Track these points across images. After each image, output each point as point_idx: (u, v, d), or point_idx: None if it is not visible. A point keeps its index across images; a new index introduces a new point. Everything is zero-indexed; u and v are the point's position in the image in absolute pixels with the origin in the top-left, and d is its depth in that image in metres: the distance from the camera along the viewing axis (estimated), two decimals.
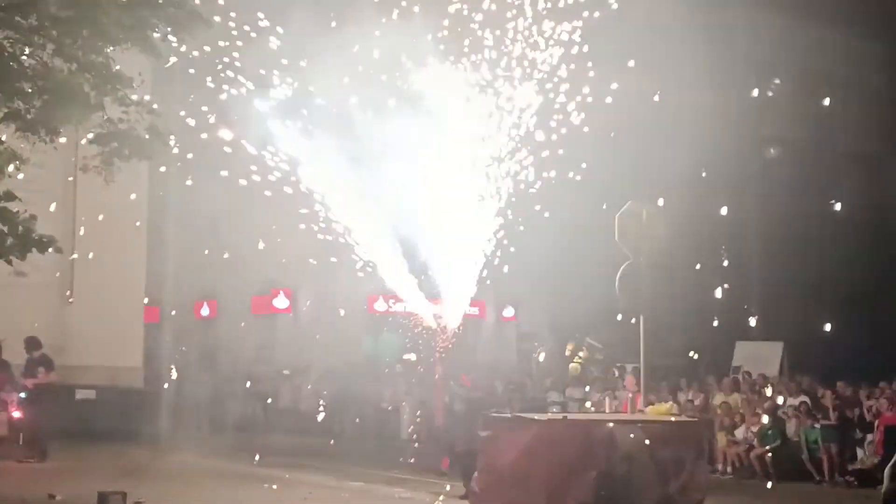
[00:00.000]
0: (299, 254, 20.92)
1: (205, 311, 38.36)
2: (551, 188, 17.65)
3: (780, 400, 22.70)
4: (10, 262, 9.94)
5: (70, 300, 27.48)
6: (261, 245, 22.35)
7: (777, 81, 31.46)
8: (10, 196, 9.83)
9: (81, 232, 26.53)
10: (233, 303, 36.47)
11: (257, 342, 37.06)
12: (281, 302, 36.25)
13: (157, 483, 17.40)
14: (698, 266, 26.95)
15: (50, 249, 10.03)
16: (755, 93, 29.66)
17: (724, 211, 26.05)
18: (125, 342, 27.99)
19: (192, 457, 22.22)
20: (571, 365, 36.76)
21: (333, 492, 17.47)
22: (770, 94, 31.14)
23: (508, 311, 39.81)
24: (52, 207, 21.12)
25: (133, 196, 24.66)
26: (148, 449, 23.63)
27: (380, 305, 38.63)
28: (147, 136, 10.57)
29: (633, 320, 16.25)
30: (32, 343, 21.42)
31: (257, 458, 20.68)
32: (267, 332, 37.41)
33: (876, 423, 20.59)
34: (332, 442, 29.15)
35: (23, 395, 21.64)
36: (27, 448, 20.75)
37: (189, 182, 20.06)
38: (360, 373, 34.50)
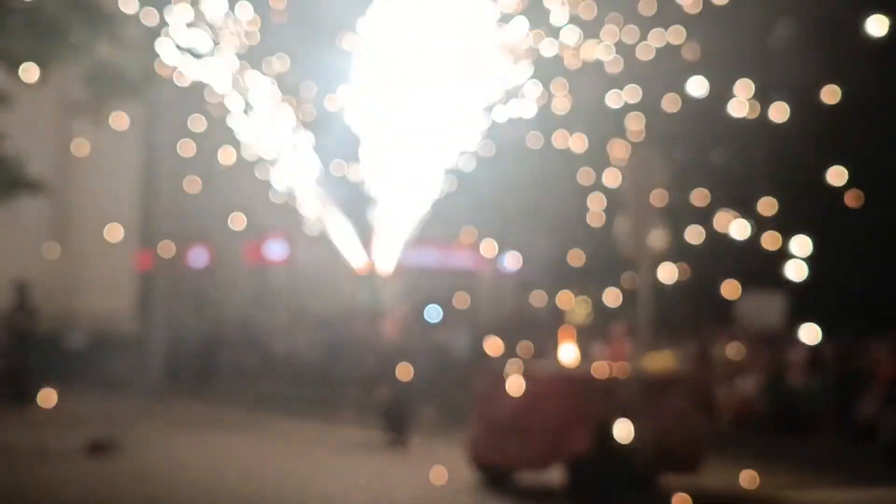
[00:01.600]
0: (292, 198, 20.71)
1: (198, 257, 38.15)
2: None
3: (781, 352, 22.60)
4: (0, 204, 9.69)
5: (59, 243, 27.21)
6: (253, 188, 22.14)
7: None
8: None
9: (73, 175, 26.27)
10: (227, 248, 36.26)
11: (252, 288, 36.89)
12: (275, 249, 36.04)
13: (148, 430, 17.30)
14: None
15: (40, 192, 9.76)
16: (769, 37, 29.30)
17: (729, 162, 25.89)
18: (117, 287, 27.79)
19: (184, 404, 22.14)
20: (569, 315, 36.72)
21: (330, 437, 17.36)
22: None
23: (505, 261, 39.67)
24: (46, 149, 20.91)
25: (126, 138, 24.35)
26: (140, 396, 23.52)
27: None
28: (137, 77, 10.28)
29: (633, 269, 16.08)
30: (21, 288, 21.32)
31: (251, 410, 20.56)
32: (261, 278, 37.24)
33: (876, 374, 20.49)
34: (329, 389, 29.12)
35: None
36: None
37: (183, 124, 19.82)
38: (356, 319, 34.39)
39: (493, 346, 29.47)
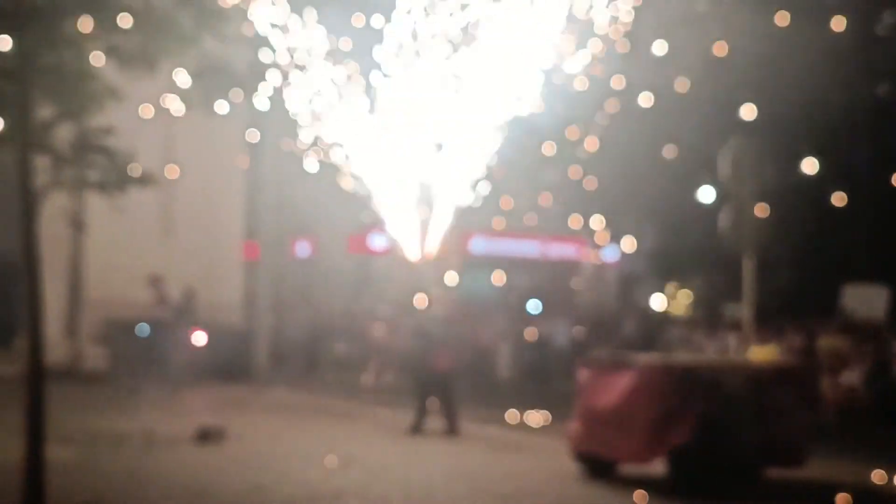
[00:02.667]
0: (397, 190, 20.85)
1: (303, 249, 38.61)
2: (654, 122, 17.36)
3: (885, 343, 22.25)
4: (111, 197, 9.92)
5: (169, 235, 27.78)
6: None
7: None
8: (109, 131, 9.78)
9: (181, 166, 26.74)
10: (330, 240, 36.64)
11: (355, 280, 37.22)
12: (378, 241, 36.31)
13: (254, 418, 17.60)
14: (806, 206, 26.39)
15: (150, 185, 9.98)
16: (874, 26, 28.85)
17: (830, 151, 25.49)
18: (224, 279, 28.27)
19: (289, 393, 22.45)
20: (672, 306, 36.47)
21: (431, 428, 17.47)
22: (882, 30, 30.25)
23: (608, 252, 39.49)
24: (155, 143, 21.33)
25: (232, 131, 24.79)
26: (246, 385, 23.93)
27: (477, 246, 38.61)
28: (245, 71, 10.47)
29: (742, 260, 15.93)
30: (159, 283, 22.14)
31: (354, 399, 20.74)
32: (364, 270, 37.55)
33: None
34: None
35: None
36: None
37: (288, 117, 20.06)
38: (455, 311, 34.45)
39: (594, 336, 29.46)
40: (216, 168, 26.97)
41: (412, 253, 20.05)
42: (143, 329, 23.19)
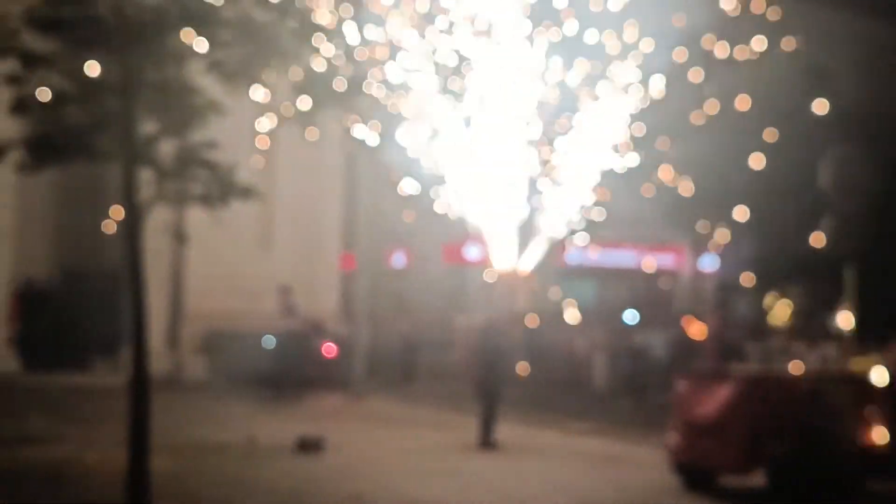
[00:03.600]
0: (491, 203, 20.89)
1: (398, 260, 38.77)
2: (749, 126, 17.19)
3: None
4: (212, 209, 10.09)
5: (267, 248, 28.14)
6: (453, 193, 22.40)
7: None
8: (212, 145, 9.95)
9: (279, 180, 27.09)
10: (426, 250, 36.75)
11: (450, 290, 37.28)
12: (473, 251, 36.35)
13: (352, 428, 17.71)
14: None
15: (251, 197, 10.13)
16: None
17: None
18: (322, 289, 28.55)
19: (386, 403, 22.55)
20: (771, 316, 35.95)
21: (527, 440, 17.45)
22: None
23: (706, 261, 39.11)
24: (254, 156, 21.66)
25: (329, 144, 25.03)
26: (344, 394, 24.11)
27: (572, 256, 38.47)
28: (344, 86, 10.58)
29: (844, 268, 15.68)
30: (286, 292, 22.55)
31: (452, 410, 20.77)
32: (459, 280, 37.59)
33: None
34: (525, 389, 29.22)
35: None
36: None
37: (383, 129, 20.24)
38: (552, 322, 34.40)
39: (692, 347, 29.12)
40: (314, 180, 27.26)
41: (506, 264, 20.06)
42: (269, 341, 23.56)
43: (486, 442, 16.16)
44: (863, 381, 13.11)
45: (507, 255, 20.24)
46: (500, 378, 16.69)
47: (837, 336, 19.82)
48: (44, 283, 28.09)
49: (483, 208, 19.70)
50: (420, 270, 37.74)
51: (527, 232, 19.60)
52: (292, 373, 24.03)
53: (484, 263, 36.60)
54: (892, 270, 27.93)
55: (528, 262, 19.83)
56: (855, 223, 15.13)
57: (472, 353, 17.94)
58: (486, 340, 17.27)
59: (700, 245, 37.83)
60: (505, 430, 17.98)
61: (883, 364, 19.23)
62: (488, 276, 22.16)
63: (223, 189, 10.03)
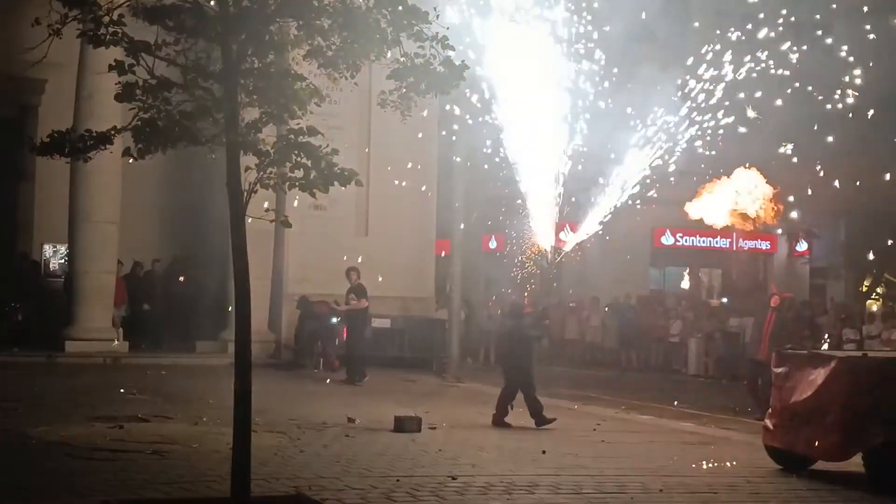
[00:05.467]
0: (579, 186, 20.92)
1: (492, 244, 38.94)
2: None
3: None
4: (313, 195, 10.27)
5: (365, 233, 28.48)
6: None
7: None
8: (312, 131, 10.12)
9: (375, 166, 27.39)
10: (519, 236, 36.85)
11: (542, 274, 37.32)
12: (566, 234, 36.37)
13: (448, 409, 17.92)
14: None
15: (351, 183, 10.30)
16: None
17: None
18: (417, 274, 28.83)
19: (480, 385, 22.75)
20: (868, 301, 35.50)
21: (622, 423, 17.51)
22: None
23: (801, 246, 38.70)
24: (352, 142, 21.87)
25: (424, 130, 25.23)
26: (439, 376, 24.36)
27: (666, 239, 38.31)
28: (442, 71, 10.67)
29: None
30: (352, 271, 22.62)
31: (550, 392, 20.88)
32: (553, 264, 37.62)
33: None
34: (620, 374, 29.23)
35: (334, 320, 23.13)
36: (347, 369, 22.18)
37: (478, 115, 20.32)
38: (646, 306, 34.37)
39: (787, 332, 28.86)
40: (410, 167, 27.51)
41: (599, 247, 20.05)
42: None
43: (499, 422, 16.28)
44: None
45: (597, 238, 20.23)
46: (520, 362, 16.70)
47: None
48: (151, 267, 28.81)
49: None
50: (513, 255, 37.86)
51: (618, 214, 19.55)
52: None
53: (574, 247, 36.70)
54: None
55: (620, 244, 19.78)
56: None
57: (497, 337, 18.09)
58: (507, 325, 17.47)
59: (795, 229, 37.45)
60: (599, 413, 18.07)
61: None
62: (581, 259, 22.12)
63: (324, 175, 10.21)
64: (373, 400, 18.81)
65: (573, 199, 19.05)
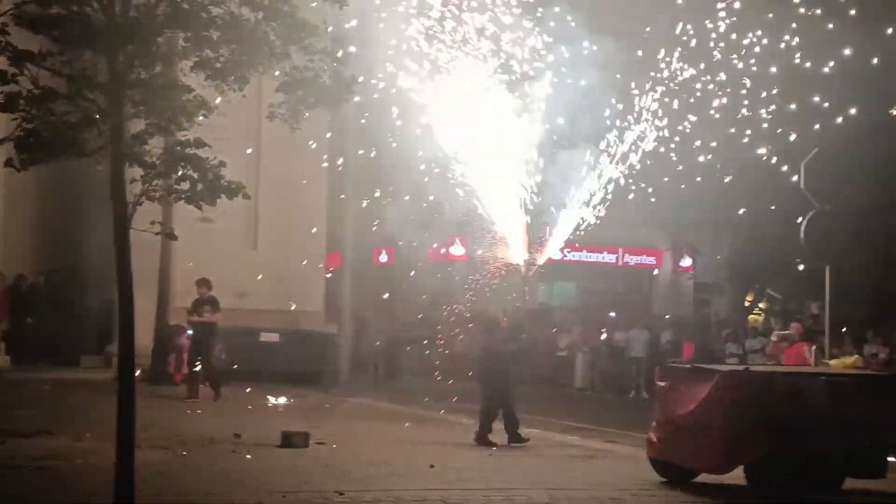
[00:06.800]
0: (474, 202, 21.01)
1: (383, 258, 38.94)
2: (734, 135, 17.35)
3: None
4: (199, 208, 10.20)
5: (254, 246, 28.26)
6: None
7: None
8: (199, 143, 10.06)
9: (264, 179, 27.20)
10: (410, 250, 36.87)
11: (434, 288, 37.43)
12: (457, 249, 36.49)
13: (337, 424, 17.84)
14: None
15: (239, 196, 10.24)
16: None
17: None
18: (307, 287, 28.68)
19: (370, 399, 22.70)
20: (751, 316, 36.22)
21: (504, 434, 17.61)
22: None
23: (685, 261, 39.35)
24: (240, 155, 21.63)
25: (315, 144, 25.13)
26: (328, 391, 24.26)
27: (555, 254, 38.60)
28: (331, 84, 10.68)
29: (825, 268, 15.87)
30: (202, 283, 22.03)
31: (436, 407, 20.92)
32: (443, 278, 37.76)
33: None
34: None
35: (189, 332, 22.51)
36: (189, 386, 21.44)
37: (369, 129, 20.33)
38: (534, 320, 34.59)
39: (672, 345, 29.29)
40: (300, 180, 27.38)
41: (489, 261, 20.13)
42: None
43: (482, 439, 16.28)
44: (842, 380, 13.29)
45: (490, 252, 20.29)
46: (497, 377, 16.73)
47: (817, 336, 20.06)
48: (33, 280, 28.23)
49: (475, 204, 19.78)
50: (405, 269, 37.89)
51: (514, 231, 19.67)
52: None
53: (468, 261, 36.74)
54: (868, 274, 28.20)
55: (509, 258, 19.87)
56: (833, 224, 15.32)
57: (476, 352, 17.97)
58: (483, 340, 17.40)
59: (680, 245, 38.10)
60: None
61: (862, 363, 19.51)
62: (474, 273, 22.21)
63: (211, 187, 10.14)
64: (260, 415, 18.65)
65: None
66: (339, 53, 11.06)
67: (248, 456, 13.76)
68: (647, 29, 18.94)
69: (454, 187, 18.79)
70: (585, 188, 18.78)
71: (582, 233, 19.26)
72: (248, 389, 21.90)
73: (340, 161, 27.41)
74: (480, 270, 20.72)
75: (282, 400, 21.14)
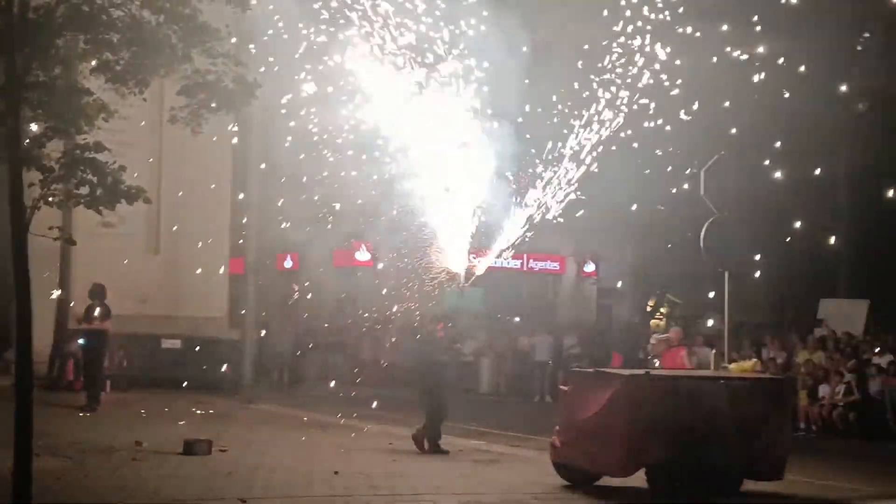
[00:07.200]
0: (381, 208, 20.97)
1: (288, 263, 38.72)
2: (634, 140, 17.52)
3: (865, 359, 22.47)
4: (99, 213, 10.07)
5: (156, 251, 27.92)
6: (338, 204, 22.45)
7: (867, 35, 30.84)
8: (99, 147, 9.94)
9: (167, 183, 26.91)
10: (315, 255, 36.73)
11: (339, 294, 37.31)
12: (363, 255, 36.43)
13: (240, 431, 17.70)
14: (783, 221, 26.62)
15: (139, 200, 10.13)
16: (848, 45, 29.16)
17: (816, 171, 25.73)
18: (210, 293, 28.39)
19: (274, 406, 22.56)
20: (652, 321, 36.64)
21: (412, 442, 17.60)
22: (860, 47, 30.53)
23: (589, 267, 39.67)
24: (142, 159, 21.36)
25: (218, 148, 24.92)
26: (231, 398, 24.05)
27: (433, 258, 38.65)
28: (234, 88, 10.62)
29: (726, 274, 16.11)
30: (95, 290, 21.61)
31: (339, 413, 20.84)
32: (349, 284, 37.68)
33: None
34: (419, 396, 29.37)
35: (81, 341, 22.08)
36: (88, 393, 21.05)
37: (273, 133, 20.19)
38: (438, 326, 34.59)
39: (576, 350, 29.55)
40: (203, 184, 27.12)
41: (396, 265, 20.04)
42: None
43: (435, 449, 16.25)
44: (740, 384, 13.50)
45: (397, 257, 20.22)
46: (432, 388, 16.70)
47: (716, 340, 20.38)
48: None
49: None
50: (310, 273, 37.72)
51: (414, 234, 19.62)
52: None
53: (374, 266, 36.64)
54: (765, 280, 28.74)
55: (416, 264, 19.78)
56: (731, 231, 15.58)
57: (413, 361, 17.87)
58: (422, 350, 17.34)
59: (583, 251, 38.41)
60: (390, 433, 18.13)
61: (760, 367, 19.88)
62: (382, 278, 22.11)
63: (111, 192, 10.02)
64: (161, 422, 18.42)
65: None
66: (243, 57, 11.02)
67: (149, 464, 13.60)
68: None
69: (367, 188, 18.68)
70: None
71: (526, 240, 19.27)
72: (150, 396, 21.65)
73: (245, 165, 27.16)
74: (397, 277, 20.61)
75: (184, 406, 20.90)
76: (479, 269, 19.31)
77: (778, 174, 22.48)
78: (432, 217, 18.47)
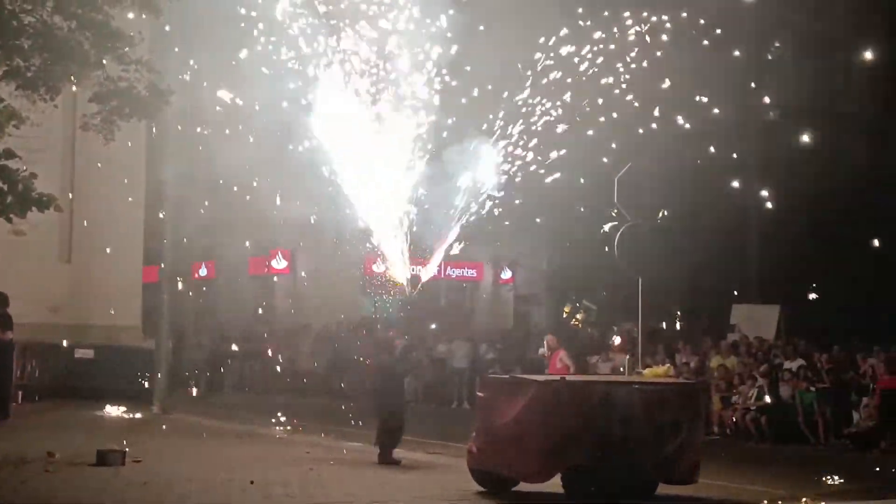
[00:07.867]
0: (298, 214, 20.90)
1: (203, 272, 38.45)
2: (551, 147, 17.64)
3: (777, 363, 22.83)
4: (9, 220, 9.98)
5: (68, 259, 27.53)
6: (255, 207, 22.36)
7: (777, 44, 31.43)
8: (9, 154, 9.85)
9: (80, 191, 26.56)
10: (231, 263, 36.52)
11: (255, 302, 37.15)
12: (279, 263, 36.32)
13: (155, 441, 17.52)
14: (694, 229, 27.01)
15: (50, 208, 10.03)
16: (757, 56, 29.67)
17: (729, 180, 26.15)
18: (123, 302, 28.06)
19: (190, 416, 22.35)
20: (567, 325, 36.90)
21: (331, 451, 17.55)
22: (770, 57, 31.09)
23: (506, 274, 39.88)
24: (55, 166, 21.07)
25: (131, 155, 24.68)
26: (146, 408, 23.76)
27: (378, 267, 38.68)
28: (146, 95, 10.56)
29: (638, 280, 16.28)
30: None
31: (256, 422, 20.73)
32: (265, 292, 37.52)
33: (872, 386, 20.74)
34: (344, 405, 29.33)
35: None
36: None
37: (188, 141, 20.02)
38: (357, 333, 34.60)
39: (493, 356, 29.64)
40: (116, 192, 26.81)
41: (313, 274, 20.04)
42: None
43: (388, 461, 16.08)
44: (654, 389, 13.65)
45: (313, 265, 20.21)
46: (390, 398, 16.59)
47: (630, 345, 20.62)
48: None
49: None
50: (227, 283, 37.50)
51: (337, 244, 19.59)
52: None
53: (290, 274, 36.52)
54: (678, 286, 29.15)
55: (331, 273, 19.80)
56: (643, 237, 15.76)
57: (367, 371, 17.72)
58: (377, 360, 17.20)
59: (500, 258, 38.62)
60: (308, 440, 18.07)
61: (674, 372, 20.13)
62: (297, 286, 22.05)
63: (21, 199, 9.91)
64: (75, 433, 18.16)
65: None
66: (155, 64, 10.96)
67: (62, 475, 13.41)
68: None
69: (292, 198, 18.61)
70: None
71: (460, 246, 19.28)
72: (63, 407, 21.34)
73: (159, 172, 26.91)
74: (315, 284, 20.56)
75: (98, 417, 20.66)
76: (424, 276, 19.29)
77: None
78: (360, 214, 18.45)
